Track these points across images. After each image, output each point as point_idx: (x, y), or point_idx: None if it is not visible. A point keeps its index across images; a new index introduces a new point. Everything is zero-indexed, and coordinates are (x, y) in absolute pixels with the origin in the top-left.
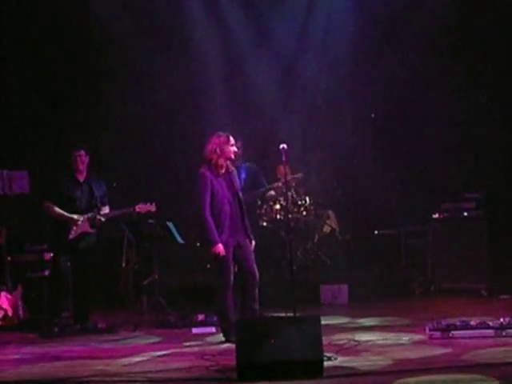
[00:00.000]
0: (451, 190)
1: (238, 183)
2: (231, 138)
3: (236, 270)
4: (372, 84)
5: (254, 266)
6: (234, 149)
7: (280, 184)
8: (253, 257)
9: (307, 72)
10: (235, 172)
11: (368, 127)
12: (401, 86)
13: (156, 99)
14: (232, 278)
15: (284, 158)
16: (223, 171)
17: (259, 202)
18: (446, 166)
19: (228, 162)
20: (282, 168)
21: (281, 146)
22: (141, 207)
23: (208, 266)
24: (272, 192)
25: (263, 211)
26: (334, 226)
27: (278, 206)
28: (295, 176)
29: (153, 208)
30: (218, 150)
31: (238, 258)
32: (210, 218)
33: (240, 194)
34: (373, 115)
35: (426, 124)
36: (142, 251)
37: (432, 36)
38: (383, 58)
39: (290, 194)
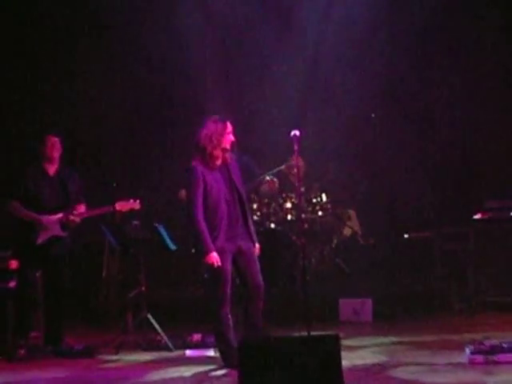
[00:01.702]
0: (496, 186)
1: (238, 177)
2: (229, 125)
3: (237, 280)
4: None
5: (259, 275)
6: (231, 138)
7: (267, 178)
8: (257, 265)
9: (327, 61)
10: (235, 163)
11: (397, 113)
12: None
13: (149, 83)
14: (229, 290)
15: (296, 147)
16: (219, 163)
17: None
18: (491, 159)
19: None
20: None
21: (292, 133)
22: (122, 205)
23: (205, 275)
24: (265, 187)
25: (271, 210)
26: (355, 228)
27: (288, 205)
28: (287, 164)
29: (136, 205)
30: (213, 139)
31: (240, 267)
32: (202, 222)
33: (241, 191)
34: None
35: (468, 111)
36: (126, 259)
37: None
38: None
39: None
